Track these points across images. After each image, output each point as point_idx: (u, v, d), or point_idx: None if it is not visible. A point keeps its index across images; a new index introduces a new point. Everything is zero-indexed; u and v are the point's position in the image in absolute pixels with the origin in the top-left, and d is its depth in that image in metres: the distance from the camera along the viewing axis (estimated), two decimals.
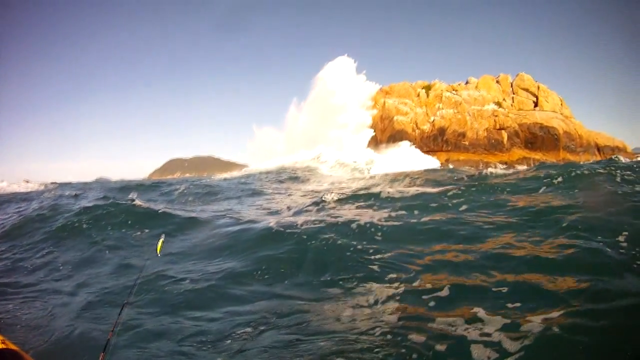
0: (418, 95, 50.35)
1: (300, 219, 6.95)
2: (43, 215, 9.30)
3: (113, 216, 8.32)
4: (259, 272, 5.02)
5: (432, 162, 34.20)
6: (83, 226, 7.91)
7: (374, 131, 48.19)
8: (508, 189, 8.73)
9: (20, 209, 11.93)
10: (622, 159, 13.15)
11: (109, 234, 7.41)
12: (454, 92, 50.15)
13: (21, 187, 24.71)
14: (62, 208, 9.98)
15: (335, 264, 5.03)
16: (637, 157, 29.77)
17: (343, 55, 54.37)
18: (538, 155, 40.99)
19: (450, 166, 32.46)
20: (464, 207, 7.33)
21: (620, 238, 4.78)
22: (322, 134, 43.91)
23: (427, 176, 14.63)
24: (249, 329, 3.64)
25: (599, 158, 40.93)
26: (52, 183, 27.56)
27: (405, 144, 43.37)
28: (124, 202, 9.55)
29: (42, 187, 24.59)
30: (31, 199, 14.93)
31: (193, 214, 8.93)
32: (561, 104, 48.59)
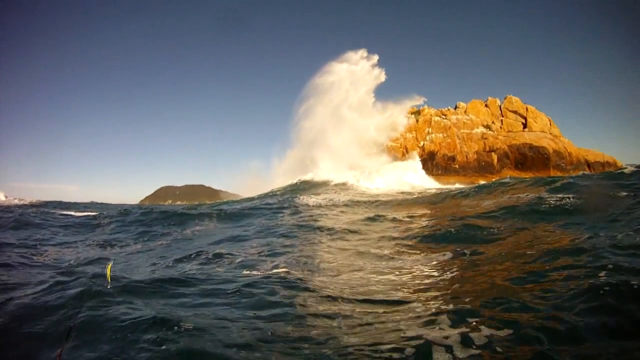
0: (408, 120, 50.71)
1: None
2: None
3: None
4: None
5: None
6: None
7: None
8: None
9: None
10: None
11: None
12: (443, 116, 50.56)
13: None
14: None
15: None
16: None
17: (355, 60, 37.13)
18: (528, 175, 40.53)
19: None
20: None
21: None
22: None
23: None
24: None
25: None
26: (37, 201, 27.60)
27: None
28: None
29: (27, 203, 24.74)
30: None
31: None
32: (550, 124, 48.85)
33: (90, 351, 3.29)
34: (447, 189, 24.86)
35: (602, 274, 4.10)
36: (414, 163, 33.78)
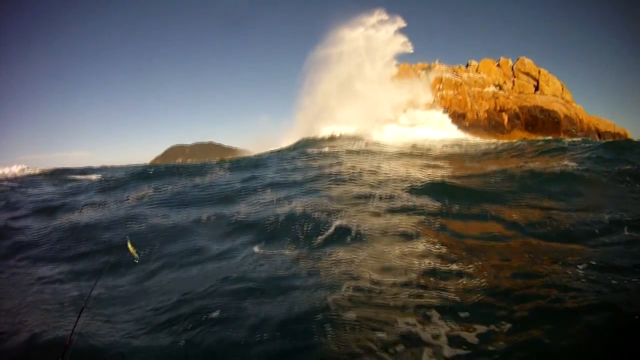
0: (418, 76, 49.92)
1: None
2: None
3: None
4: None
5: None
6: None
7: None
8: None
9: None
10: None
11: None
12: (454, 73, 49.78)
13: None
14: None
15: None
16: None
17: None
18: (539, 138, 40.80)
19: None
20: None
21: None
22: None
23: None
24: None
25: None
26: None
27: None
28: None
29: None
30: None
31: None
32: (562, 89, 48.15)
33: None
34: (458, 143, 24.47)
35: (584, 266, 4.38)
36: (437, 114, 31.04)
